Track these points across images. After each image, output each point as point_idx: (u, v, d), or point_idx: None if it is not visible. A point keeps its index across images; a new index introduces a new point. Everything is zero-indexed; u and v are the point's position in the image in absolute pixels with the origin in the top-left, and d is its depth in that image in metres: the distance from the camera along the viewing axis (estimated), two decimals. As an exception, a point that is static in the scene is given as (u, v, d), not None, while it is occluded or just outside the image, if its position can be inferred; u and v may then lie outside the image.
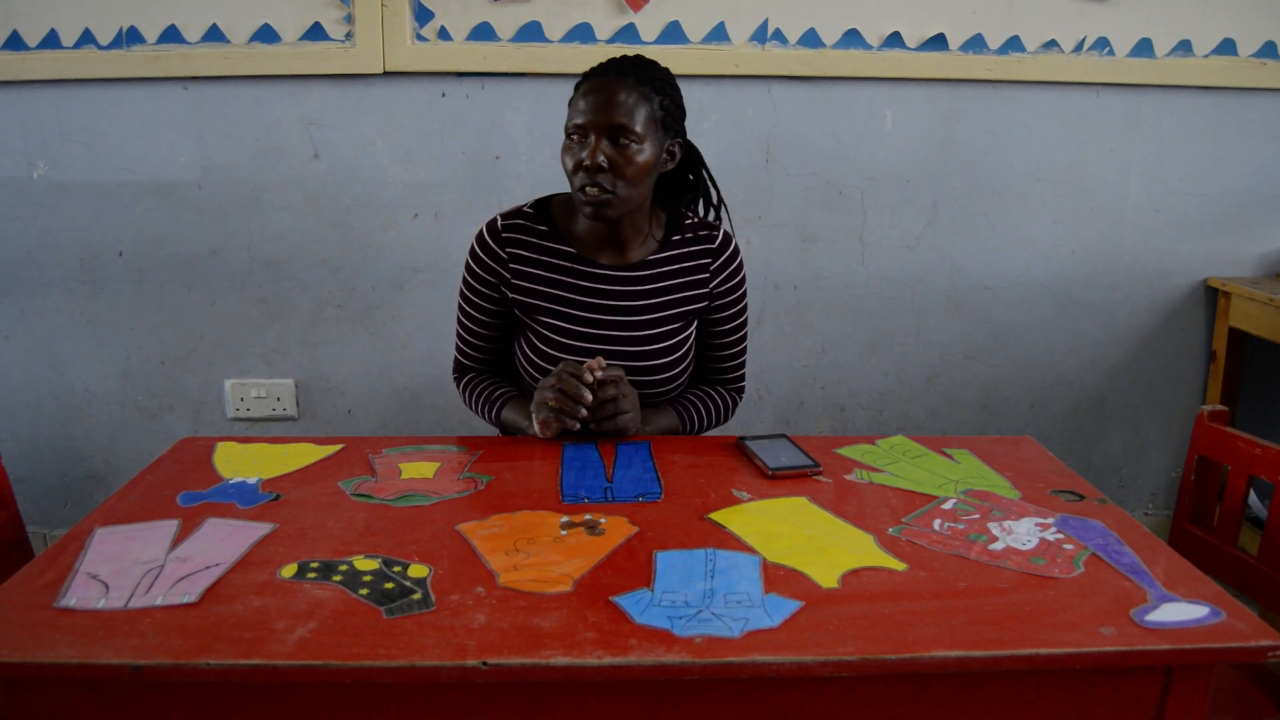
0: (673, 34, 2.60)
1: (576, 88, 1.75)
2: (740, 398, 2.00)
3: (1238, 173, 2.80)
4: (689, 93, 2.61)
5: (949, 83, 2.68)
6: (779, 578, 1.25)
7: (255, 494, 1.49)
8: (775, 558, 1.30)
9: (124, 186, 2.67)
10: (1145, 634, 1.13)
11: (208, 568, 1.25)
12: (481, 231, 1.84)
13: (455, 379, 1.97)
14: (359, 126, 2.65)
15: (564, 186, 1.87)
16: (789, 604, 1.18)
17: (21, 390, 2.80)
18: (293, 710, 1.13)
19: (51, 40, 2.54)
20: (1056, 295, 2.86)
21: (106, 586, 1.20)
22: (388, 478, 1.56)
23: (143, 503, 1.45)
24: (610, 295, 1.81)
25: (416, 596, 1.18)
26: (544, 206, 1.86)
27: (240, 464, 1.62)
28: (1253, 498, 2.73)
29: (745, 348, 1.98)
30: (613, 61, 1.76)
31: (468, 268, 1.85)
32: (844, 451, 1.71)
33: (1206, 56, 2.68)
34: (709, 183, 1.95)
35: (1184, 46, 2.67)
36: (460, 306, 1.90)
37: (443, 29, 2.58)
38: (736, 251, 1.89)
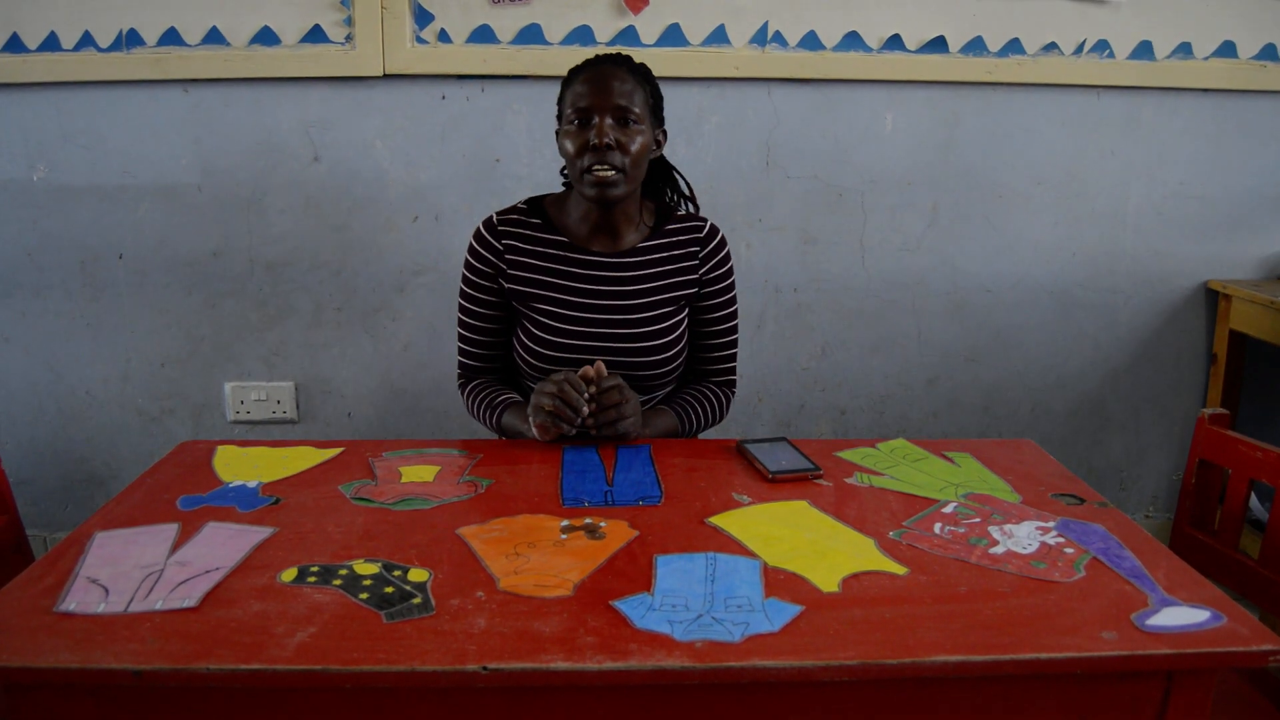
0: (673, 36, 2.60)
1: (568, 80, 1.81)
2: (733, 393, 2.02)
3: (1238, 175, 2.79)
4: (689, 95, 2.64)
5: (949, 85, 2.68)
6: (779, 582, 1.24)
7: (255, 497, 1.49)
8: (775, 562, 1.30)
9: (124, 189, 2.67)
10: (1146, 638, 1.13)
11: (208, 572, 1.25)
12: (478, 228, 1.90)
13: (460, 385, 1.98)
14: (359, 129, 2.65)
15: (560, 189, 1.89)
16: (789, 608, 1.18)
17: (22, 393, 2.80)
18: (293, 715, 1.12)
19: (51, 43, 2.54)
20: (1057, 298, 2.86)
21: (106, 590, 1.19)
22: (388, 481, 1.56)
23: (143, 506, 1.45)
24: (604, 281, 1.86)
25: (416, 600, 1.18)
26: (537, 203, 1.92)
27: (240, 467, 1.61)
28: (1254, 501, 2.73)
29: (736, 340, 2.00)
30: (600, 56, 1.83)
31: (466, 264, 1.90)
32: (844, 455, 1.71)
33: (1207, 59, 2.68)
34: (678, 175, 2.01)
35: (1184, 49, 2.67)
36: (461, 305, 1.93)
37: (443, 31, 2.58)
38: (724, 242, 1.94)
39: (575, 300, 1.85)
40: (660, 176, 2.00)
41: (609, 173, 1.73)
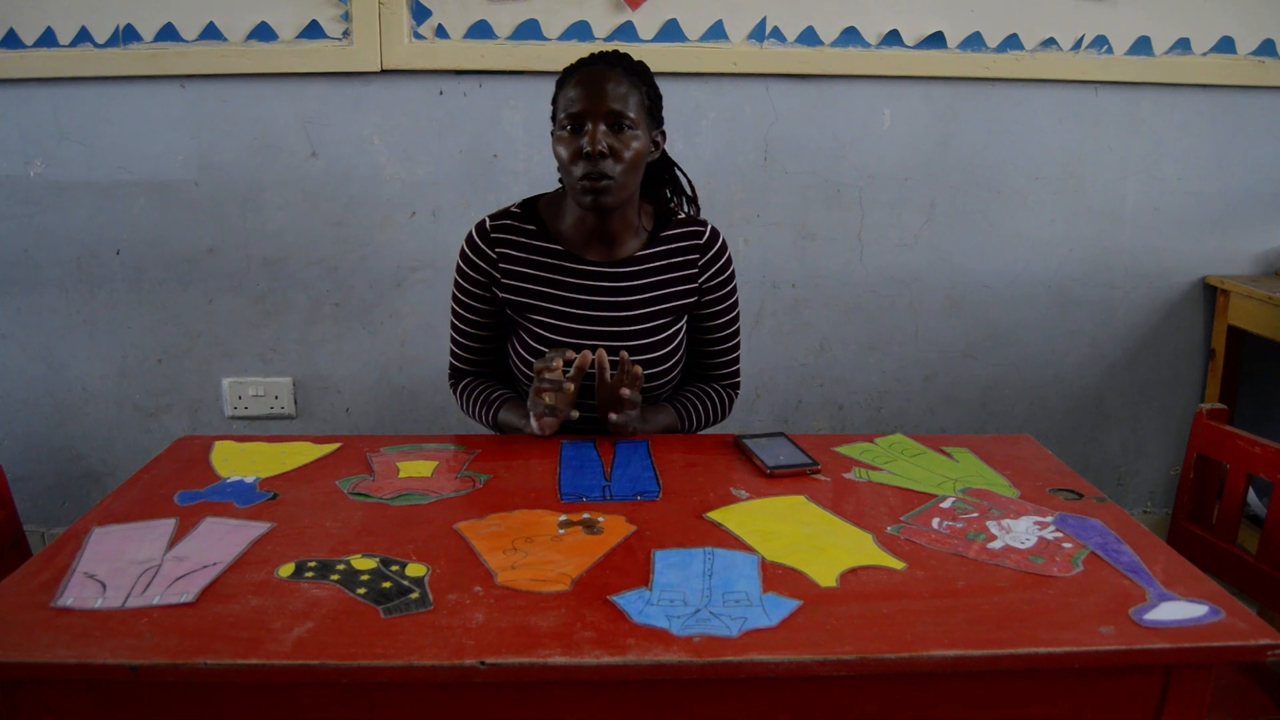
0: (671, 32, 2.59)
1: (562, 82, 1.76)
2: (736, 394, 2.00)
3: (1236, 171, 2.79)
4: (687, 91, 2.64)
5: (947, 81, 2.68)
6: (777, 577, 1.24)
7: (253, 493, 1.49)
8: (773, 557, 1.30)
9: (121, 185, 2.66)
10: (1144, 633, 1.13)
11: (205, 567, 1.25)
12: (470, 233, 1.85)
13: (451, 384, 1.97)
14: (356, 125, 2.65)
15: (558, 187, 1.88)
16: (787, 603, 1.18)
17: (18, 389, 2.80)
18: (290, 710, 1.12)
19: (48, 38, 2.54)
20: (1055, 294, 2.86)
21: (104, 586, 1.19)
22: (385, 476, 1.56)
23: (140, 502, 1.45)
24: (599, 291, 1.82)
25: (414, 596, 1.18)
26: (531, 206, 1.87)
27: (238, 463, 1.61)
28: (1251, 496, 2.73)
29: (738, 343, 1.98)
30: (596, 55, 1.76)
31: (458, 270, 1.86)
32: (842, 450, 1.70)
33: (1205, 55, 2.68)
34: (680, 175, 1.95)
35: (1183, 45, 2.67)
36: (453, 309, 1.90)
37: (440, 27, 2.57)
38: (725, 247, 1.89)
39: (571, 311, 1.81)
40: (661, 176, 1.94)
41: (602, 182, 1.68)
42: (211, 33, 2.55)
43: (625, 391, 1.69)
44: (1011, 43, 2.65)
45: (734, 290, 1.92)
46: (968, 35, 2.64)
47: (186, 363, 2.80)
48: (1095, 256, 2.84)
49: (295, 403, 2.84)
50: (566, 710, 1.14)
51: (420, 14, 2.56)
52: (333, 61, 2.58)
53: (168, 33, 2.55)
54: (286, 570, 1.24)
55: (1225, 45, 2.67)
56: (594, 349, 1.71)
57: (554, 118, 1.76)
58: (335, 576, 1.23)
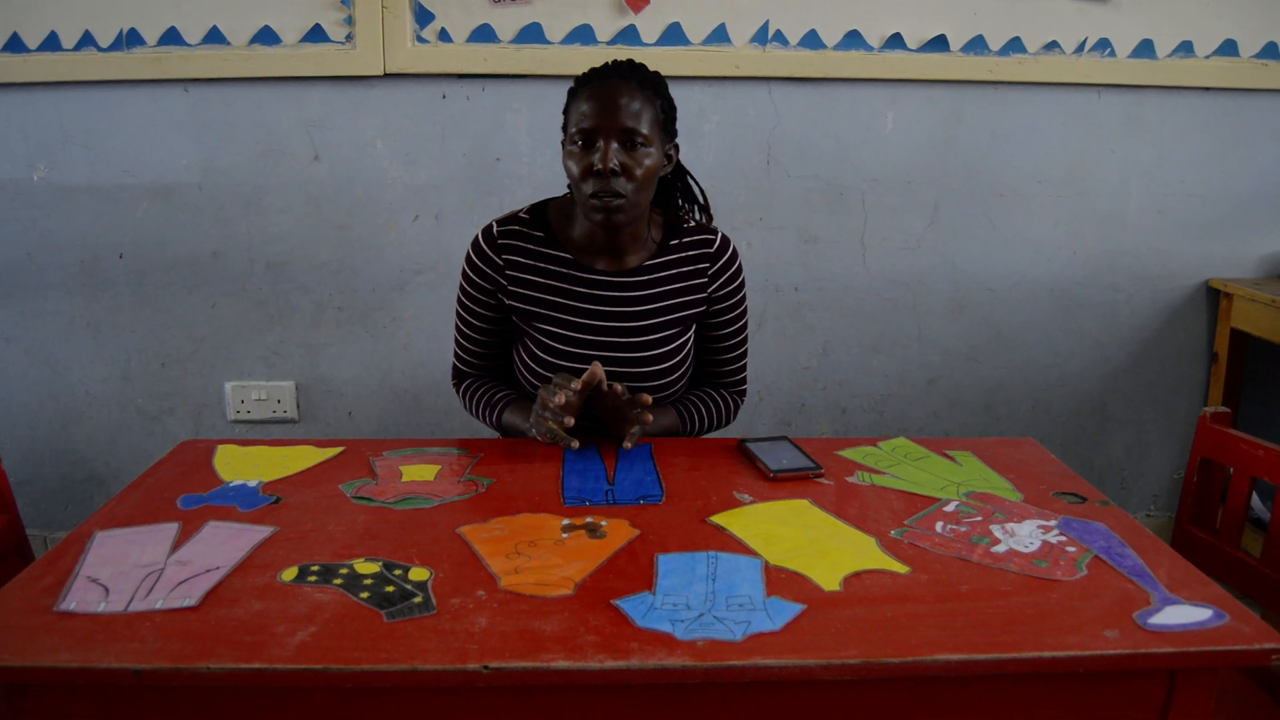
0: (673, 35, 2.59)
1: (575, 92, 1.72)
2: (742, 400, 2.00)
3: (1239, 174, 2.79)
4: (690, 94, 2.64)
5: (950, 84, 2.68)
6: (781, 580, 1.24)
7: (256, 497, 1.49)
8: (777, 560, 1.29)
9: (124, 189, 2.66)
10: (1148, 637, 1.13)
11: (208, 571, 1.25)
12: (477, 238, 1.83)
13: (455, 385, 1.97)
14: (359, 128, 2.65)
15: (563, 189, 1.86)
16: (791, 607, 1.17)
17: (21, 393, 2.80)
18: (293, 714, 1.12)
19: (52, 42, 2.54)
20: (1058, 297, 2.86)
21: (107, 590, 1.19)
22: (388, 480, 1.56)
23: (143, 506, 1.45)
24: (607, 302, 1.80)
25: (417, 600, 1.18)
26: (540, 212, 1.84)
27: (240, 467, 1.61)
28: (1255, 499, 2.72)
29: (746, 350, 1.97)
30: (610, 66, 1.73)
31: (464, 275, 1.84)
32: (845, 453, 1.70)
33: (1208, 57, 2.68)
34: (693, 183, 1.92)
35: (1185, 48, 2.67)
36: (458, 313, 1.89)
37: (443, 31, 2.58)
38: (735, 255, 1.87)
39: (578, 321, 1.80)
40: (674, 184, 1.90)
41: (614, 201, 1.66)
42: (215, 37, 2.55)
43: (649, 417, 1.67)
44: (1014, 46, 2.65)
45: (744, 299, 1.91)
46: (970, 38, 2.64)
47: (189, 366, 2.80)
48: (1098, 259, 2.84)
49: (298, 406, 2.84)
50: (570, 714, 1.14)
51: (423, 18, 2.57)
52: (336, 65, 2.58)
53: (171, 37, 2.55)
54: (289, 574, 1.24)
55: (1228, 48, 2.67)
56: (601, 360, 1.70)
57: (565, 129, 1.73)
58: (338, 580, 1.22)
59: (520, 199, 1.91)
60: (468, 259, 1.83)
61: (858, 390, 2.91)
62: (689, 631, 1.12)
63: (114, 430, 2.84)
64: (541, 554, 1.31)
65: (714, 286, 1.85)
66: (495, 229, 1.81)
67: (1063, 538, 1.38)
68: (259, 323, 2.78)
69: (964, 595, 1.21)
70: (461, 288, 1.86)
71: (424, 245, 2.73)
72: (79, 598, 1.17)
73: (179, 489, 1.51)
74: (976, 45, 2.64)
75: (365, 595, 1.19)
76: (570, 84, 1.75)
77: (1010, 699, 1.16)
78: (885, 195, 2.76)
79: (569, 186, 1.77)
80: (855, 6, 2.60)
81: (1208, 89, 2.71)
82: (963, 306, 2.85)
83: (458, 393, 1.95)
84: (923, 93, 2.69)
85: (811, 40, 2.62)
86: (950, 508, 1.48)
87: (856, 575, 1.26)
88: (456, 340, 1.93)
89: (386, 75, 2.60)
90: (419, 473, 1.60)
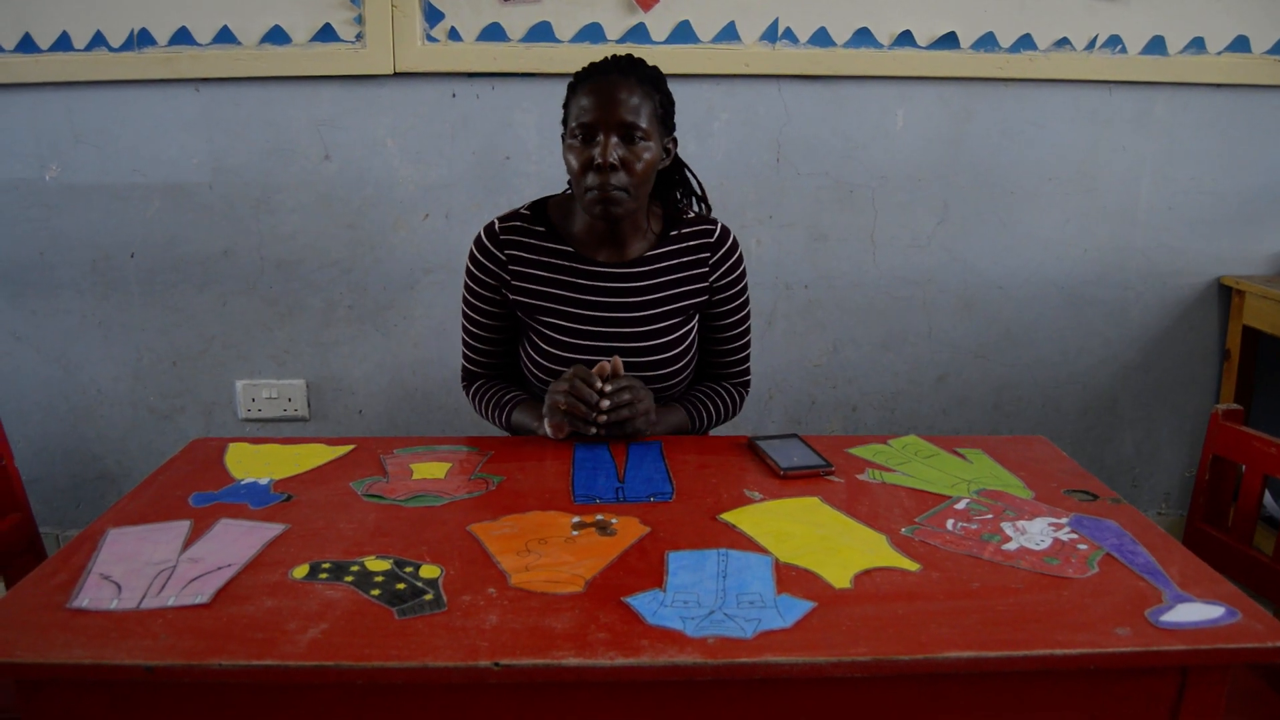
0: (683, 33, 2.59)
1: (574, 87, 1.74)
2: (746, 392, 2.00)
3: (1251, 170, 2.78)
4: (699, 92, 2.64)
5: (960, 81, 2.68)
6: (791, 578, 1.24)
7: (267, 495, 1.49)
8: (787, 558, 1.29)
9: (135, 188, 2.67)
10: (1160, 634, 1.12)
11: (220, 568, 1.25)
12: (480, 235, 1.84)
13: (464, 387, 1.97)
14: (370, 127, 2.65)
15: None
16: (801, 604, 1.17)
17: (33, 391, 2.81)
18: (304, 711, 1.13)
19: (63, 42, 2.55)
20: (1069, 294, 2.85)
21: (119, 587, 1.20)
22: (399, 478, 1.56)
23: (155, 503, 1.45)
24: (610, 293, 1.82)
25: (428, 597, 1.18)
26: (540, 208, 1.86)
27: (252, 465, 1.62)
28: (1268, 497, 2.72)
29: (749, 341, 1.98)
30: (610, 61, 1.75)
31: (468, 273, 1.86)
32: (856, 451, 1.70)
33: (1219, 54, 2.67)
34: (691, 176, 1.94)
35: (1197, 44, 2.66)
36: (464, 312, 1.91)
37: (453, 30, 2.58)
38: (736, 245, 1.89)
39: (582, 313, 1.81)
40: (672, 177, 1.93)
41: (613, 193, 1.68)
42: (225, 36, 2.56)
43: (605, 404, 1.67)
44: (1025, 43, 2.64)
45: (745, 288, 1.92)
46: (981, 35, 2.63)
47: (200, 365, 2.81)
48: (1109, 257, 2.83)
49: (308, 405, 2.85)
50: (580, 712, 1.14)
51: (433, 17, 2.57)
52: (346, 64, 2.58)
53: (182, 36, 2.56)
54: (301, 572, 1.24)
55: (1240, 44, 2.66)
56: (606, 352, 1.72)
57: (565, 123, 1.76)
58: (349, 578, 1.23)
59: (529, 197, 1.92)
60: (471, 257, 1.85)
61: (868, 388, 2.90)
62: (699, 629, 1.12)
63: (125, 428, 2.85)
64: (552, 551, 1.31)
65: (715, 275, 1.86)
66: (497, 225, 1.84)
67: (1074, 535, 1.37)
68: (270, 321, 2.78)
69: (975, 593, 1.21)
70: (466, 285, 1.88)
71: (434, 244, 2.74)
72: (91, 595, 1.18)
73: (191, 487, 1.52)
74: (987, 42, 2.63)
75: (376, 593, 1.19)
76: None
77: (1021, 697, 1.16)
78: (895, 193, 2.76)
79: (569, 182, 1.79)
80: (865, 4, 2.60)
81: (1219, 85, 2.70)
82: (973, 304, 2.85)
83: (467, 395, 1.96)
84: (933, 90, 2.69)
85: (821, 38, 2.61)
86: (961, 505, 1.48)
87: (867, 573, 1.26)
88: (464, 340, 1.93)
89: (396, 74, 2.60)
90: (430, 470, 1.60)
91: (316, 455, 1.66)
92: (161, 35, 2.56)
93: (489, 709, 1.13)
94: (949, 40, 2.63)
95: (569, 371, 1.68)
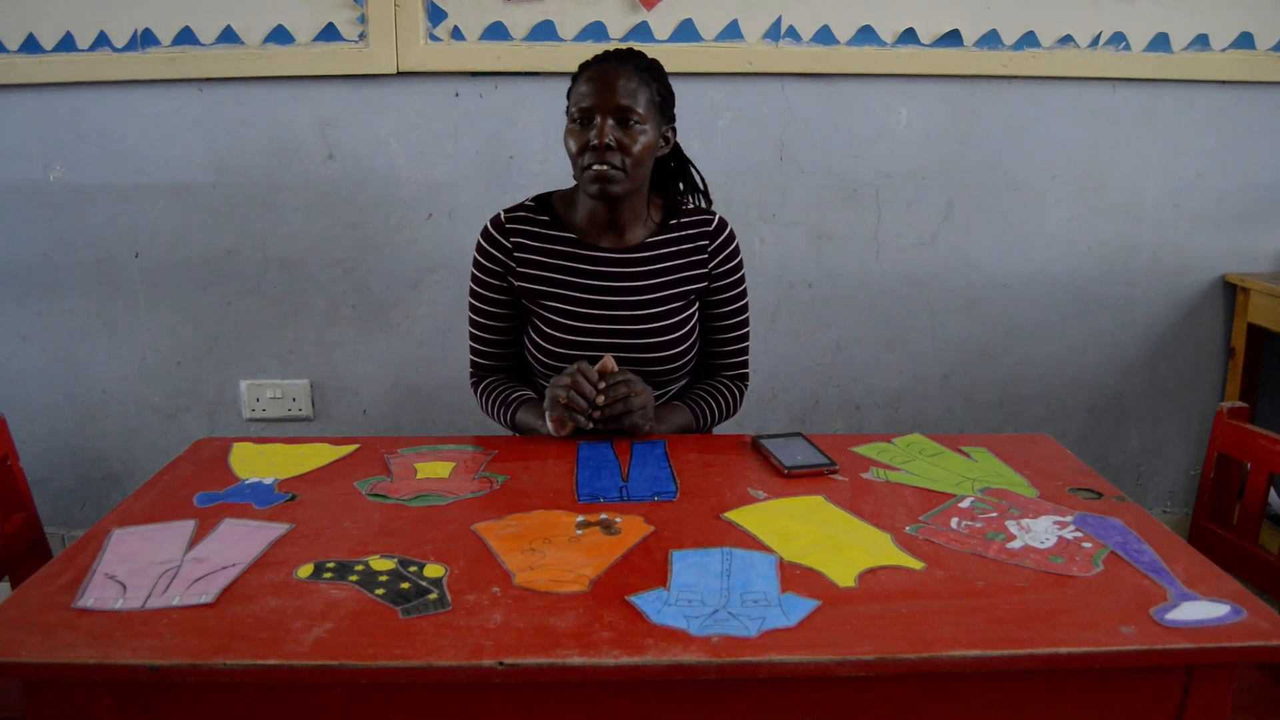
0: (686, 32, 2.59)
1: (575, 77, 1.82)
2: (746, 386, 2.02)
3: (1256, 167, 2.77)
4: (703, 91, 2.63)
5: (964, 79, 2.67)
6: (796, 577, 1.24)
7: (271, 494, 1.49)
8: (792, 557, 1.29)
9: (139, 188, 2.68)
10: (1166, 633, 1.12)
11: (224, 568, 1.25)
12: (486, 226, 1.90)
13: (473, 384, 1.99)
14: (373, 127, 2.65)
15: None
16: (806, 603, 1.17)
17: (38, 392, 2.82)
18: (309, 710, 1.13)
19: (67, 43, 2.55)
20: (1073, 292, 2.85)
21: (124, 587, 1.20)
22: (403, 478, 1.56)
23: (159, 503, 1.45)
24: (612, 277, 1.86)
25: (433, 596, 1.18)
26: (545, 200, 1.92)
27: (256, 464, 1.62)
28: (1273, 495, 2.71)
29: (747, 334, 2.00)
30: (610, 52, 1.83)
31: (475, 263, 1.90)
32: (860, 450, 1.70)
33: (1224, 50, 2.66)
34: (694, 171, 2.00)
35: (1201, 41, 2.65)
36: (471, 304, 1.93)
37: (456, 29, 2.58)
38: (733, 235, 1.94)
39: (585, 297, 1.85)
40: (673, 171, 1.98)
41: (608, 169, 1.73)
42: (229, 36, 2.56)
43: (601, 399, 1.70)
44: (1028, 40, 2.63)
45: (742, 279, 1.96)
46: (984, 33, 2.62)
47: (205, 365, 2.81)
48: (1114, 255, 2.83)
49: (313, 404, 2.85)
50: (585, 710, 1.14)
51: (436, 16, 2.57)
52: (349, 64, 2.58)
53: (185, 36, 2.56)
54: (305, 571, 1.25)
55: (1244, 41, 2.65)
56: (609, 335, 1.78)
57: (568, 111, 1.81)
58: (354, 577, 1.23)
59: (531, 196, 1.94)
60: (478, 247, 1.90)
61: (872, 386, 2.90)
62: (704, 628, 1.12)
63: (130, 428, 2.85)
64: (556, 550, 1.31)
65: (714, 264, 1.91)
66: (503, 215, 1.90)
67: (1079, 533, 1.37)
68: (274, 321, 2.79)
69: (979, 591, 1.21)
70: (473, 277, 1.91)
71: (438, 243, 2.74)
72: (96, 595, 1.18)
73: (195, 487, 1.52)
74: (990, 40, 2.63)
75: (380, 592, 1.19)
76: None
77: (1026, 695, 1.16)
78: (899, 191, 2.75)
79: (574, 175, 1.84)
80: (868, 2, 2.59)
81: (1224, 82, 2.70)
82: (977, 302, 2.84)
83: (475, 393, 1.97)
84: (936, 88, 2.68)
85: (824, 36, 2.61)
86: (965, 504, 1.47)
87: (871, 571, 1.26)
88: (471, 334, 1.95)
89: (400, 73, 2.60)
90: (434, 470, 1.60)
91: (321, 455, 1.66)
92: (165, 35, 2.56)
93: (493, 708, 1.13)
94: (952, 38, 2.62)
95: (571, 367, 1.70)
